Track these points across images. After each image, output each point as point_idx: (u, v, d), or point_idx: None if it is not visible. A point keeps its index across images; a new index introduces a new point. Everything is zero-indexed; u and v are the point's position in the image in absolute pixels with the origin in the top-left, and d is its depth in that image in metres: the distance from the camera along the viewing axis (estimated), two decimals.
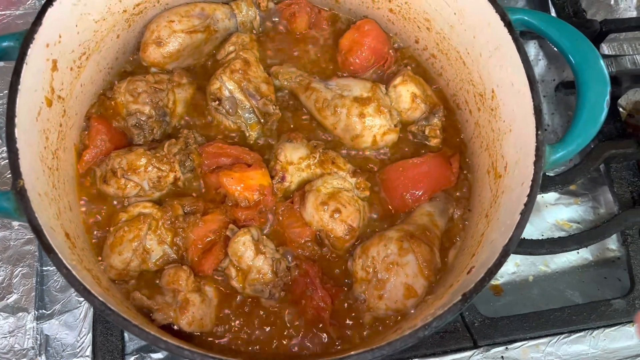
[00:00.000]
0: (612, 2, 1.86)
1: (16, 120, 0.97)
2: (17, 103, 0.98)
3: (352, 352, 0.89)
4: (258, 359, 1.12)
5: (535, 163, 1.03)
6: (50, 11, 1.07)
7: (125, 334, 1.31)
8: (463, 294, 0.94)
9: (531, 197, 1.01)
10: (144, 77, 1.31)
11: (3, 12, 1.55)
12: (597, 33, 1.64)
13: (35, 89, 1.06)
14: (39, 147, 1.07)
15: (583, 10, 1.76)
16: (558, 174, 1.52)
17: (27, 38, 1.03)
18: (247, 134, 1.34)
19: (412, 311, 1.18)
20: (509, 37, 1.13)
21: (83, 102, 1.27)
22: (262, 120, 1.33)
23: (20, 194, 0.93)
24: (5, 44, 1.03)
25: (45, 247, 0.90)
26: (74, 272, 0.90)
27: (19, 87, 0.99)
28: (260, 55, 1.42)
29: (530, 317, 1.37)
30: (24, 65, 1.01)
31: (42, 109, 1.09)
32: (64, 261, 0.90)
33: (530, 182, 1.02)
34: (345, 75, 1.43)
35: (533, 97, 1.08)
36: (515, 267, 1.53)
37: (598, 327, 1.38)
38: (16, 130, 0.96)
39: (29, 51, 1.03)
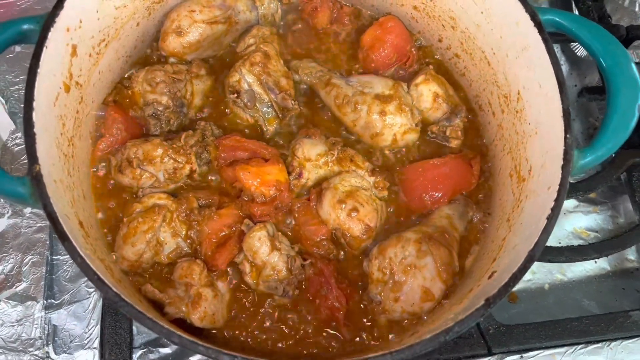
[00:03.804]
0: (637, 9, 1.83)
1: (34, 104, 0.95)
2: (35, 87, 0.96)
3: (371, 355, 0.86)
4: (271, 357, 1.10)
5: (563, 167, 1.01)
6: None
7: (134, 327, 1.28)
8: (486, 298, 0.91)
9: (558, 202, 0.98)
10: (162, 66, 1.29)
11: None
12: (623, 39, 1.61)
13: (54, 74, 1.05)
14: (56, 133, 1.05)
15: (608, 15, 1.73)
16: (579, 180, 1.49)
17: (47, 21, 1.01)
18: (265, 129, 1.32)
19: (425, 318, 1.16)
20: (539, 38, 1.10)
21: (100, 89, 1.25)
22: (280, 115, 1.31)
23: (36, 179, 0.91)
24: (25, 26, 1.01)
25: (60, 234, 0.88)
26: (87, 261, 0.88)
27: (38, 70, 0.97)
28: (280, 49, 1.39)
29: (547, 325, 1.35)
30: (44, 48, 0.99)
31: (59, 94, 1.07)
32: (78, 249, 0.88)
33: (558, 187, 0.99)
34: (365, 72, 1.41)
35: (562, 100, 1.06)
36: (531, 274, 1.51)
37: (616, 339, 1.35)
38: (34, 114, 0.95)
39: (50, 35, 1.01)
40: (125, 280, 1.12)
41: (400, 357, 0.86)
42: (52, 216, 0.88)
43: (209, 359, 1.11)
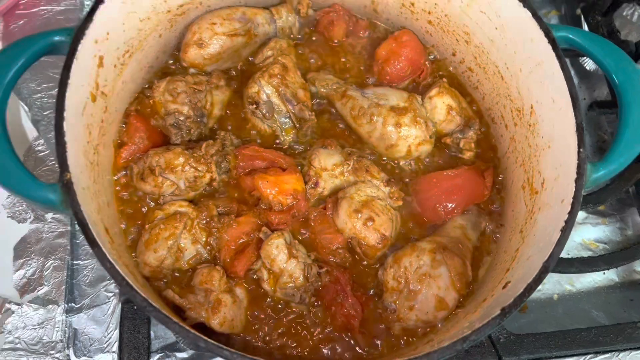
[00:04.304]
0: None
1: (65, 114, 0.98)
2: (66, 97, 0.99)
3: None
4: None
5: (577, 180, 1.03)
6: (101, 8, 1.08)
7: (152, 332, 1.31)
8: (502, 308, 0.93)
9: (572, 215, 1.01)
10: (183, 77, 1.32)
11: (45, 8, 1.57)
12: (633, 54, 1.64)
13: (82, 84, 1.08)
14: (83, 141, 1.08)
15: (617, 30, 1.76)
16: (589, 193, 1.51)
17: (78, 33, 1.04)
18: (282, 139, 1.35)
19: (439, 325, 1.18)
20: (553, 54, 1.13)
21: (123, 99, 1.28)
22: (297, 126, 1.34)
23: (66, 186, 0.94)
24: (56, 38, 1.04)
25: (90, 240, 0.91)
26: (116, 267, 0.90)
27: (69, 81, 1.00)
28: (297, 61, 1.42)
29: (557, 335, 1.36)
30: (74, 60, 1.02)
31: (87, 104, 1.10)
32: (107, 255, 0.90)
33: (572, 200, 1.02)
34: (380, 84, 1.44)
35: (575, 115, 1.08)
36: (540, 285, 1.52)
37: (624, 349, 1.37)
38: (64, 124, 0.97)
39: (80, 47, 1.04)
40: (147, 285, 1.14)
41: None
42: (82, 222, 0.91)
43: None
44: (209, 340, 0.87)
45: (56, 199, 0.95)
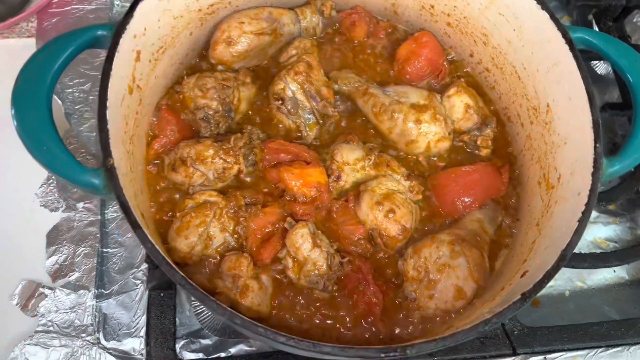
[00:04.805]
0: None
1: (108, 103, 1.03)
2: (108, 88, 1.05)
3: (417, 341, 0.93)
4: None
5: (594, 174, 1.08)
6: (141, 5, 1.14)
7: (177, 319, 1.35)
8: (522, 293, 0.98)
9: (589, 206, 1.05)
10: (212, 73, 1.37)
11: (76, 6, 1.64)
12: None
13: (122, 77, 1.13)
14: (121, 131, 1.13)
15: (628, 35, 1.81)
16: (601, 191, 1.55)
17: (119, 28, 1.10)
18: (305, 134, 1.39)
19: (456, 315, 1.22)
20: (570, 55, 1.18)
21: (155, 93, 1.34)
22: (320, 121, 1.39)
23: (110, 171, 0.99)
24: (99, 32, 1.10)
25: (132, 223, 0.96)
26: (157, 247, 0.95)
27: (111, 72, 1.06)
28: (320, 59, 1.47)
29: (569, 329, 1.40)
30: (116, 53, 1.08)
31: (125, 95, 1.16)
32: (149, 236, 0.95)
33: (588, 192, 1.07)
34: (400, 83, 1.49)
35: (592, 112, 1.13)
36: (552, 281, 1.52)
37: (636, 343, 1.41)
38: (107, 113, 1.03)
39: (121, 41, 1.09)
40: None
41: (444, 344, 0.93)
42: (124, 205, 0.96)
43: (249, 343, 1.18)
44: (244, 317, 0.92)
45: (99, 183, 0.99)
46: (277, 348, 1.30)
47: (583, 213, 1.05)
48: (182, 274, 0.94)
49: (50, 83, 1.01)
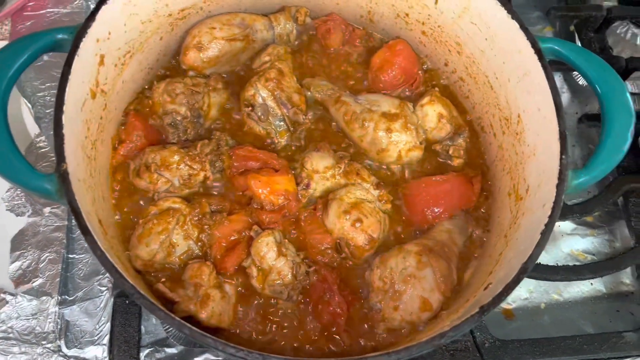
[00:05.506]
0: (639, 42, 1.90)
1: (64, 107, 1.02)
2: (66, 91, 1.03)
3: (369, 355, 0.91)
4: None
5: (558, 186, 1.06)
6: (103, 8, 1.13)
7: (142, 327, 1.34)
8: (480, 306, 0.96)
9: (552, 218, 1.03)
10: (182, 79, 1.36)
11: (51, 10, 1.63)
12: (623, 70, 1.68)
13: (83, 81, 1.12)
14: (81, 136, 1.12)
15: (610, 47, 1.80)
16: (576, 203, 1.54)
17: (80, 32, 1.09)
18: (276, 141, 1.38)
19: (421, 328, 1.20)
20: (539, 65, 1.17)
21: (123, 98, 1.32)
22: (291, 129, 1.38)
23: (63, 176, 0.97)
24: (59, 35, 1.09)
25: (82, 228, 0.94)
26: (107, 255, 0.93)
27: (69, 77, 1.04)
28: (294, 67, 1.46)
29: (541, 342, 1.38)
30: (76, 57, 1.07)
31: (86, 100, 1.14)
32: (99, 243, 0.94)
33: (552, 204, 1.05)
34: (374, 91, 1.47)
35: (559, 123, 1.12)
36: (527, 293, 1.55)
37: (609, 359, 1.39)
38: (63, 117, 1.01)
39: (81, 44, 1.08)
40: (138, 278, 1.17)
41: (398, 357, 0.91)
42: (76, 211, 0.95)
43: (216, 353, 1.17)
44: (193, 327, 0.90)
45: (52, 188, 0.98)
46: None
47: (546, 225, 1.03)
48: (132, 282, 0.92)
49: (5, 88, 1.00)
